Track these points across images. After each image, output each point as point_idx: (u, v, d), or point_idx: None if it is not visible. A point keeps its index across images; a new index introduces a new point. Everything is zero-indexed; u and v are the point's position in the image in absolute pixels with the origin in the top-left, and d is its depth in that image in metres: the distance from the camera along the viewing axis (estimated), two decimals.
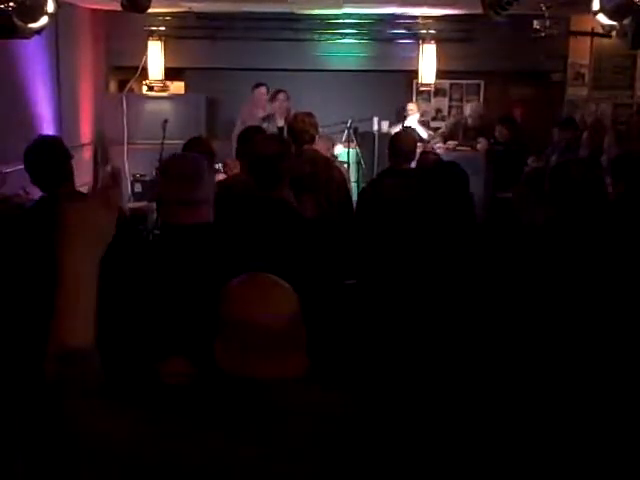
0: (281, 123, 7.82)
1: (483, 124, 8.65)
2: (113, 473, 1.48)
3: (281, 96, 7.98)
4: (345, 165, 7.37)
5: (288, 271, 1.76)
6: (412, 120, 8.78)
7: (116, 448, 1.48)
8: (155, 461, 1.48)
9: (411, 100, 9.52)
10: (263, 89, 8.11)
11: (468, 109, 9.03)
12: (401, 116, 8.88)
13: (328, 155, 5.94)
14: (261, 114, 7.90)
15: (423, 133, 8.69)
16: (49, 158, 3.35)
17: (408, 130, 7.55)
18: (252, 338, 1.59)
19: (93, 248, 1.54)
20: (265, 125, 7.45)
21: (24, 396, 2.97)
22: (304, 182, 3.74)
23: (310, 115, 5.01)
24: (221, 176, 6.00)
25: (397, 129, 8.23)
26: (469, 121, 8.79)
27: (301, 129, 4.88)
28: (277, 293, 1.65)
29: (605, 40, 7.40)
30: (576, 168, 3.26)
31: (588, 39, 8.31)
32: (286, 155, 3.37)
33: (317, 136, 5.16)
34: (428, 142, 8.68)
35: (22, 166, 3.42)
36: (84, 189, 8.02)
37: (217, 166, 6.45)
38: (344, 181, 5.23)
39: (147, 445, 1.48)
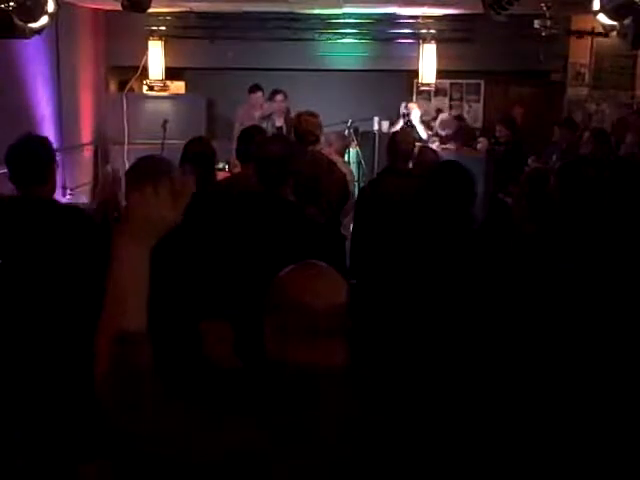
0: (280, 123, 7.82)
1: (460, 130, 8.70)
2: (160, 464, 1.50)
3: (279, 97, 7.92)
4: (354, 165, 7.39)
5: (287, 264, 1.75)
6: (414, 117, 8.75)
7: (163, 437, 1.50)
8: (186, 450, 1.48)
9: (411, 100, 9.51)
10: (259, 93, 8.09)
11: (438, 121, 8.97)
12: (402, 115, 8.85)
13: (339, 154, 5.91)
14: (258, 114, 7.88)
15: (422, 133, 8.67)
16: (29, 157, 3.25)
17: (406, 129, 7.55)
18: (302, 323, 1.60)
19: (151, 240, 1.56)
20: (264, 125, 7.45)
21: (26, 393, 2.98)
22: (307, 186, 3.73)
23: (314, 115, 4.97)
24: (225, 175, 6.02)
25: (398, 127, 8.23)
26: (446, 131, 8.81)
27: (305, 130, 4.84)
28: (331, 280, 1.67)
29: (605, 40, 7.40)
30: (587, 168, 3.25)
31: (588, 39, 8.31)
32: (293, 156, 3.37)
33: (335, 134, 5.12)
34: (426, 142, 8.67)
35: None
36: (84, 189, 8.06)
37: (220, 165, 6.46)
38: (346, 183, 5.21)
39: (190, 433, 1.50)
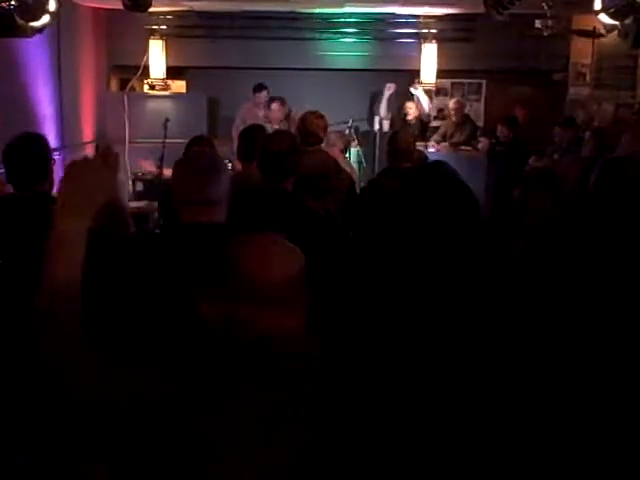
0: (277, 126, 7.72)
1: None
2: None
3: (274, 105, 7.88)
4: (355, 165, 7.41)
5: None
6: (418, 90, 8.80)
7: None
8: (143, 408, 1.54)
9: (412, 100, 9.51)
10: (264, 92, 8.10)
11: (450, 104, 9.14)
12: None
13: (342, 153, 5.93)
14: (262, 114, 7.88)
15: (425, 103, 8.70)
16: (26, 156, 3.25)
17: (407, 129, 7.57)
18: (248, 290, 1.64)
19: (89, 203, 1.66)
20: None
21: (25, 388, 2.98)
22: (316, 183, 3.76)
23: (320, 117, 4.93)
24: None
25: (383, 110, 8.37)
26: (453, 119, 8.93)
27: (309, 131, 4.81)
28: (282, 252, 1.71)
29: (607, 40, 7.40)
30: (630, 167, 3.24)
31: (590, 39, 8.30)
32: (296, 152, 3.46)
33: (335, 134, 5.12)
34: (428, 115, 8.72)
35: None
36: None
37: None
38: (353, 183, 5.24)
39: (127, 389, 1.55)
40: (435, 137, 8.91)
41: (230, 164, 6.53)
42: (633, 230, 3.05)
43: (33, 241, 3.06)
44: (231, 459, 1.54)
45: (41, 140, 3.44)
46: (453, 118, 9.01)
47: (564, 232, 3.27)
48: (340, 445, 1.62)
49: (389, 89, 8.70)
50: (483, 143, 8.37)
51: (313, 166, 4.33)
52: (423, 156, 5.30)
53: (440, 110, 9.91)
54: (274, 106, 7.87)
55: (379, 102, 8.81)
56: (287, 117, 7.78)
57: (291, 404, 1.58)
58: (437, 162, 3.85)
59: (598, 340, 2.74)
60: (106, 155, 1.73)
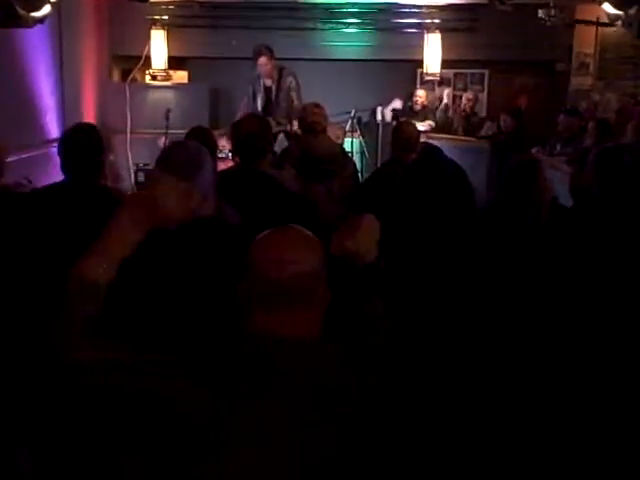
0: (268, 83, 7.58)
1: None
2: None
3: (262, 60, 7.47)
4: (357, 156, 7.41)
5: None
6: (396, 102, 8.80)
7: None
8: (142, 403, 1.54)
9: (415, 89, 9.49)
10: (263, 59, 7.53)
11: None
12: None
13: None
14: (269, 83, 7.62)
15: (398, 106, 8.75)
16: (80, 148, 3.28)
17: (410, 121, 7.56)
18: (263, 289, 1.62)
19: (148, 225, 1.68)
20: (256, 87, 7.52)
21: (27, 386, 2.97)
22: (322, 166, 3.84)
23: (319, 106, 5.10)
24: (230, 163, 6.03)
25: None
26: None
27: (312, 121, 4.97)
28: (300, 247, 1.67)
29: (610, 30, 7.37)
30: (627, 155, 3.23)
31: (593, 29, 8.26)
32: (266, 133, 3.57)
33: (329, 126, 5.21)
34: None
35: (25, 155, 3.40)
36: None
37: (223, 154, 6.45)
38: (357, 171, 5.34)
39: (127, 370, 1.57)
40: (432, 122, 8.91)
41: (231, 155, 6.52)
42: (631, 218, 3.05)
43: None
44: (235, 468, 1.52)
45: (96, 131, 3.46)
46: (467, 109, 9.01)
47: (566, 222, 3.26)
48: (347, 459, 1.58)
49: (395, 103, 8.68)
50: (488, 126, 8.36)
51: (320, 148, 4.41)
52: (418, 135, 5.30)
53: (442, 100, 9.89)
54: (261, 60, 7.47)
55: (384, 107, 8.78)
56: (280, 75, 7.54)
57: (294, 418, 1.54)
58: (431, 150, 3.86)
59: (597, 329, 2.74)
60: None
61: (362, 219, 1.89)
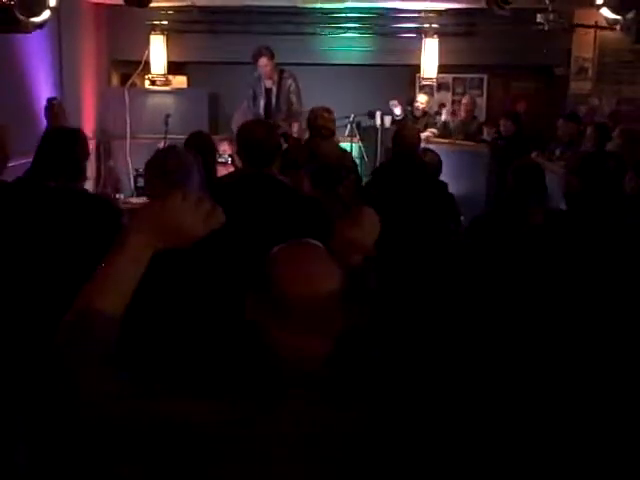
0: (269, 84, 7.55)
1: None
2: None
3: (262, 61, 7.41)
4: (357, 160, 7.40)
5: (274, 241, 1.74)
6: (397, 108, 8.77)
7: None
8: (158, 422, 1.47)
9: (414, 94, 9.50)
10: (263, 60, 7.47)
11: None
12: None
13: None
14: (269, 85, 7.59)
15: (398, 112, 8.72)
16: (62, 150, 3.28)
17: (410, 124, 7.57)
18: (275, 307, 1.53)
19: (161, 245, 1.54)
20: (257, 89, 7.49)
21: (26, 386, 2.97)
22: (334, 172, 3.85)
23: (329, 111, 5.26)
24: (230, 168, 6.05)
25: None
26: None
27: (321, 125, 5.13)
28: (317, 266, 1.57)
29: (609, 34, 7.39)
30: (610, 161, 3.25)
31: (592, 33, 8.29)
32: (274, 137, 3.53)
33: None
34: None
35: (24, 160, 3.38)
36: (86, 184, 8.05)
37: (223, 159, 6.45)
38: (359, 177, 5.38)
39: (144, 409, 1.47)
40: (438, 128, 8.89)
41: (231, 159, 6.54)
42: (615, 222, 3.07)
43: (63, 233, 3.05)
44: None
45: (80, 135, 3.45)
46: (463, 114, 9.00)
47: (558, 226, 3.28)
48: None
49: (395, 106, 8.67)
50: (488, 131, 8.36)
51: (331, 154, 4.42)
52: (437, 159, 5.28)
53: (442, 105, 9.90)
54: (262, 61, 7.41)
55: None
56: (280, 78, 7.50)
57: (297, 446, 1.50)
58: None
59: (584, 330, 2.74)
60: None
61: (365, 210, 1.85)
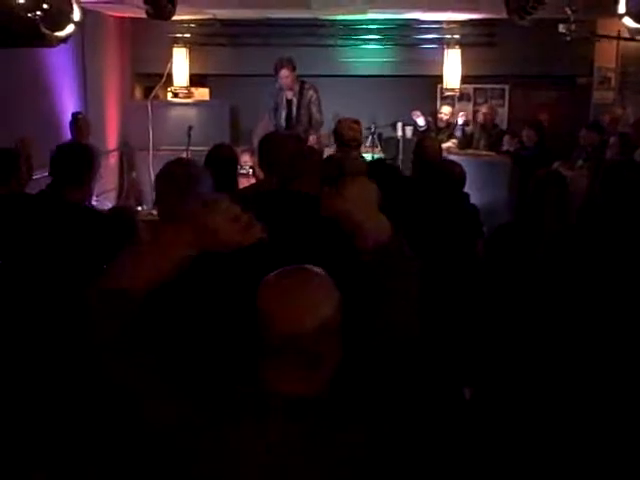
0: (290, 95, 7.59)
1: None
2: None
3: (283, 72, 7.47)
4: None
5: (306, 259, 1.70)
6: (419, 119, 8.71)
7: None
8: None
9: (435, 105, 9.49)
10: (284, 72, 7.53)
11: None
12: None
13: None
14: (290, 96, 7.63)
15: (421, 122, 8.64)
16: (67, 158, 3.35)
17: (432, 136, 7.55)
18: (271, 343, 1.49)
19: (197, 248, 1.56)
20: (277, 99, 7.54)
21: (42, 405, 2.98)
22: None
23: (357, 122, 5.17)
24: (252, 180, 6.07)
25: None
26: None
27: (349, 137, 5.04)
28: (308, 297, 1.51)
29: (631, 43, 7.33)
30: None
31: (614, 43, 8.23)
32: (303, 152, 3.52)
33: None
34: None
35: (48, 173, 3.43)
36: (110, 195, 8.12)
37: (245, 170, 6.48)
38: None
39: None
40: (457, 141, 8.84)
41: (252, 170, 6.56)
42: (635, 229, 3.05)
43: (53, 244, 3.10)
44: None
45: (88, 148, 3.52)
46: (483, 121, 8.94)
47: (577, 236, 3.26)
48: None
49: (417, 116, 8.63)
50: (508, 142, 8.30)
51: (361, 167, 4.36)
52: (459, 170, 5.23)
53: (462, 115, 9.86)
54: (283, 72, 7.47)
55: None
56: (301, 89, 7.54)
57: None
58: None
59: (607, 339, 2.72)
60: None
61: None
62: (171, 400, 1.50)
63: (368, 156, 7.81)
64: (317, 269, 1.57)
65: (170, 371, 1.55)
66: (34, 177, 5.24)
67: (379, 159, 6.58)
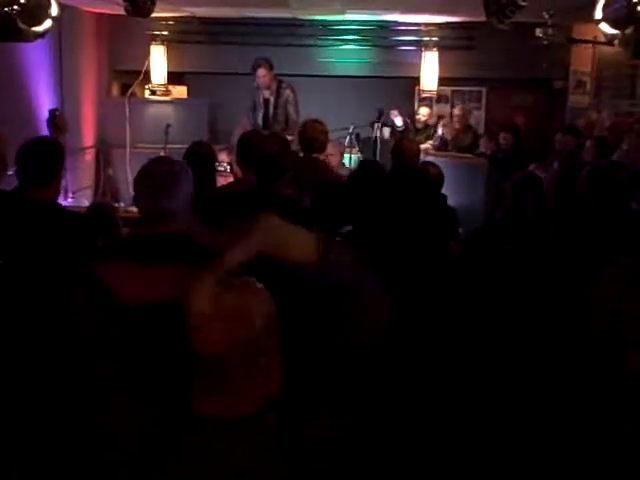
0: (267, 94, 7.57)
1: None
2: None
3: (260, 71, 7.46)
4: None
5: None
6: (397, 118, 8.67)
7: None
8: None
9: (413, 106, 9.52)
10: (261, 71, 7.51)
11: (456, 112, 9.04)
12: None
13: (340, 162, 5.94)
14: (267, 95, 7.61)
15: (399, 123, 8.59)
16: (34, 156, 3.26)
17: (411, 137, 7.57)
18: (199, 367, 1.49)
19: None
20: (256, 99, 7.52)
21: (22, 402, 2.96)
22: (323, 193, 3.80)
23: (320, 123, 4.98)
24: (230, 178, 6.05)
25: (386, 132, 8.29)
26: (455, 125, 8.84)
27: (312, 137, 4.86)
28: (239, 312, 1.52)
29: (607, 49, 7.41)
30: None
31: (590, 47, 8.31)
32: (285, 153, 3.50)
33: (330, 144, 5.15)
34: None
35: None
36: (86, 192, 8.06)
37: (222, 167, 6.46)
38: None
39: None
40: (435, 142, 8.87)
41: (229, 168, 6.54)
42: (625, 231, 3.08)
43: (24, 244, 3.07)
44: None
45: (54, 144, 3.45)
46: (457, 125, 8.95)
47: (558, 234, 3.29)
48: None
49: (395, 115, 8.60)
50: (485, 144, 8.33)
51: (319, 176, 4.34)
52: (438, 172, 5.24)
53: (440, 117, 9.90)
54: (260, 72, 7.45)
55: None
56: (278, 88, 7.53)
57: None
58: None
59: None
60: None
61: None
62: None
63: (347, 157, 7.83)
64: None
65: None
66: (9, 173, 5.20)
67: (373, 160, 6.55)
